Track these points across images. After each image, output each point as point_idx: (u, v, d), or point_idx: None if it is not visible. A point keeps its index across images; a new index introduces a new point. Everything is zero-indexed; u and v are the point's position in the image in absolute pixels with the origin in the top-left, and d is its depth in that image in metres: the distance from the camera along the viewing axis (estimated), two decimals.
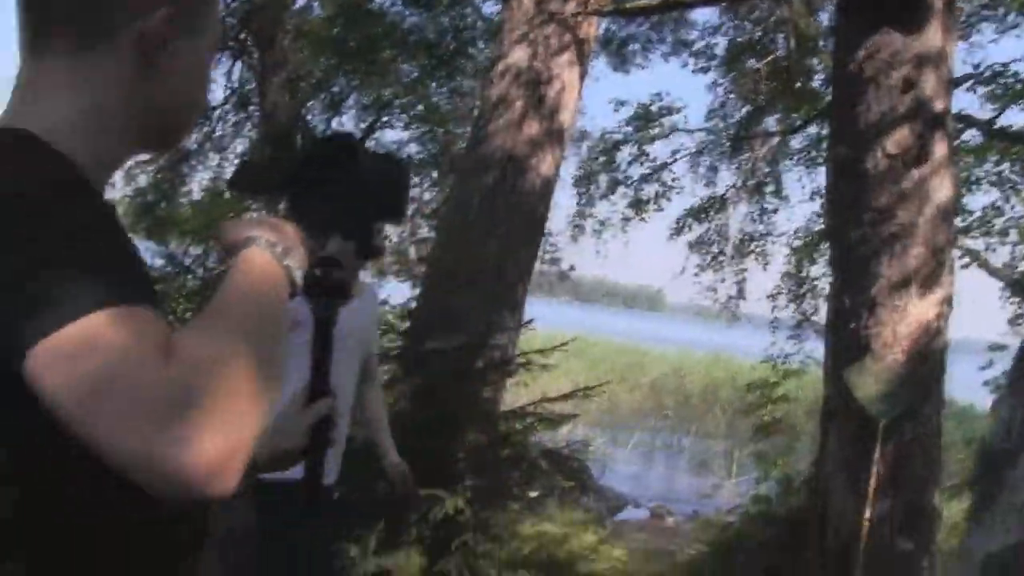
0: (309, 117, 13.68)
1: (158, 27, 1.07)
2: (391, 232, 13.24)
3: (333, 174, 1.25)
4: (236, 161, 14.01)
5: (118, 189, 14.40)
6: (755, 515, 6.12)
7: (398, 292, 8.12)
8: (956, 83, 7.19)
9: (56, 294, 0.84)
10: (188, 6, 1.12)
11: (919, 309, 4.80)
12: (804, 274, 13.32)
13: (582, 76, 6.79)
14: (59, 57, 1.07)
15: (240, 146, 14.13)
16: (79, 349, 0.82)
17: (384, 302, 6.48)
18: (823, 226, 12.69)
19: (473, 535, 4.71)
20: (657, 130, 12.70)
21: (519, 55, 6.51)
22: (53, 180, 0.96)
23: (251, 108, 13.28)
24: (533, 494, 5.64)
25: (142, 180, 14.18)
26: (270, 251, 1.04)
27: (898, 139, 4.79)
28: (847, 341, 4.96)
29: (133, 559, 1.02)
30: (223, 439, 0.81)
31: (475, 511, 4.82)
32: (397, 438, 4.88)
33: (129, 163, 14.85)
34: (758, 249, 13.52)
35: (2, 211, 0.90)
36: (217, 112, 13.36)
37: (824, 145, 11.69)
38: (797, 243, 13.49)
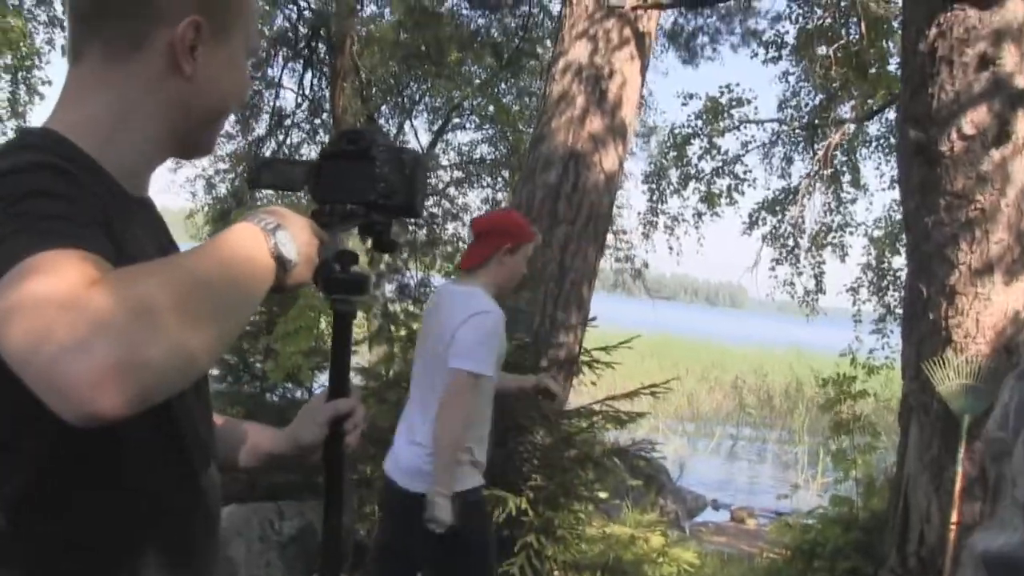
0: (381, 121, 13.82)
1: (185, 35, 1.14)
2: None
3: (348, 170, 1.29)
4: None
5: (200, 197, 14.85)
6: (834, 518, 5.89)
7: None
8: None
9: (12, 246, 0.89)
10: (216, 14, 1.17)
11: (1003, 298, 4.56)
12: (885, 265, 12.92)
13: (643, 70, 6.68)
14: (92, 64, 1.16)
15: (314, 153, 14.35)
16: (11, 283, 0.86)
17: None
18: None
19: (537, 536, 4.62)
20: (727, 122, 12.48)
21: (579, 51, 6.43)
22: (42, 161, 1.02)
23: (324, 115, 13.47)
24: (603, 495, 5.52)
25: (222, 189, 14.57)
26: (258, 224, 1.06)
27: (974, 119, 4.55)
28: (925, 333, 4.73)
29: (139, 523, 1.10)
30: (109, 358, 0.82)
31: (539, 512, 4.73)
32: None
33: (210, 173, 15.03)
34: (835, 240, 13.15)
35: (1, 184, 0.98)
36: (290, 120, 13.57)
37: None
38: (877, 233, 13.10)
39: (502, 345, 3.41)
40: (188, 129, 1.21)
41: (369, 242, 1.36)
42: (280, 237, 1.06)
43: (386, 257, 12.57)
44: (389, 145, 1.33)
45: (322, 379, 5.76)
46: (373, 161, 1.27)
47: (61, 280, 0.85)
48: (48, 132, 1.12)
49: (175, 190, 15.08)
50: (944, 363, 4.52)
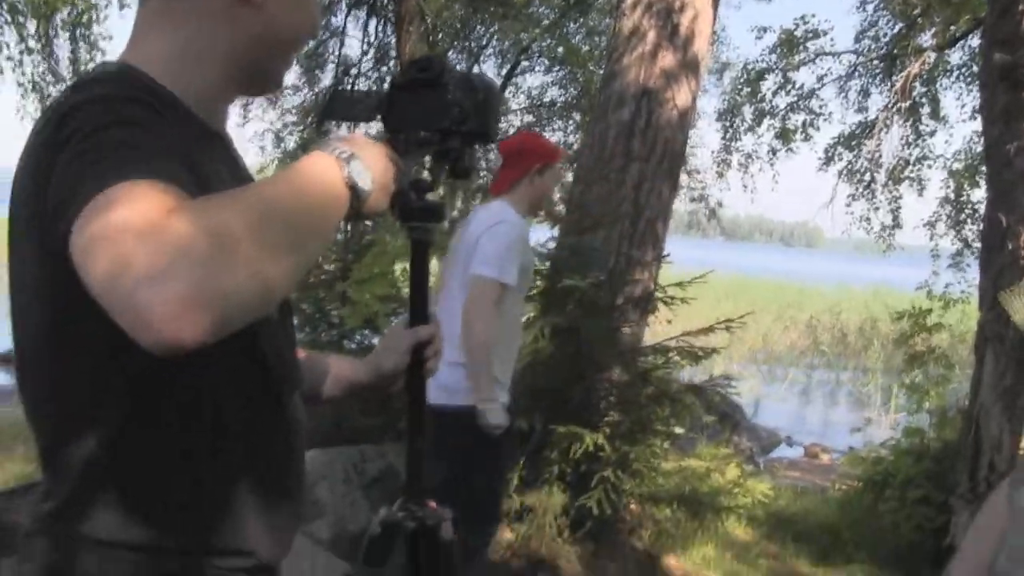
0: None
1: None
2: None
3: (421, 98, 1.27)
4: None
5: (269, 152, 15.01)
6: (906, 448, 5.89)
7: (542, 235, 8.12)
8: None
9: (93, 175, 0.91)
10: None
11: None
12: (964, 199, 12.60)
13: (715, 3, 6.56)
14: (159, 1, 1.17)
15: None
16: (92, 213, 0.88)
17: None
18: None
19: (613, 471, 4.69)
20: (802, 56, 12.19)
21: None
22: (119, 94, 1.04)
23: (390, 63, 13.45)
24: (679, 430, 5.58)
25: (291, 142, 14.71)
26: (332, 152, 1.06)
27: None
28: (1005, 263, 4.69)
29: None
30: (188, 286, 0.83)
31: (615, 447, 4.80)
32: (538, 376, 4.96)
33: (279, 127, 14.94)
34: (913, 174, 12.84)
35: (81, 113, 1.00)
36: (356, 69, 13.57)
37: None
38: (957, 166, 12.75)
39: (527, 256, 3.35)
40: (258, 59, 1.20)
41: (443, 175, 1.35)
42: (354, 166, 1.06)
43: (459, 203, 12.62)
44: (459, 72, 1.32)
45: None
46: (446, 87, 1.26)
47: (139, 210, 0.86)
48: (125, 65, 1.13)
49: (244, 145, 15.28)
50: (1022, 293, 4.49)
